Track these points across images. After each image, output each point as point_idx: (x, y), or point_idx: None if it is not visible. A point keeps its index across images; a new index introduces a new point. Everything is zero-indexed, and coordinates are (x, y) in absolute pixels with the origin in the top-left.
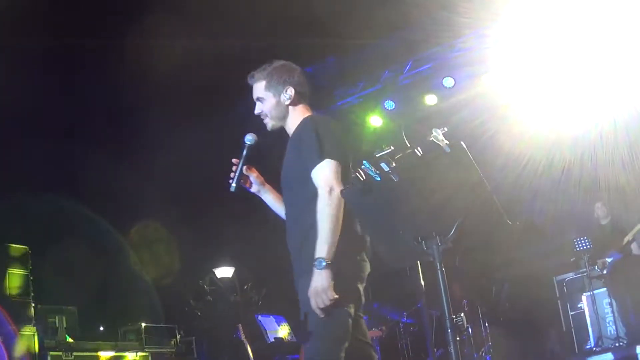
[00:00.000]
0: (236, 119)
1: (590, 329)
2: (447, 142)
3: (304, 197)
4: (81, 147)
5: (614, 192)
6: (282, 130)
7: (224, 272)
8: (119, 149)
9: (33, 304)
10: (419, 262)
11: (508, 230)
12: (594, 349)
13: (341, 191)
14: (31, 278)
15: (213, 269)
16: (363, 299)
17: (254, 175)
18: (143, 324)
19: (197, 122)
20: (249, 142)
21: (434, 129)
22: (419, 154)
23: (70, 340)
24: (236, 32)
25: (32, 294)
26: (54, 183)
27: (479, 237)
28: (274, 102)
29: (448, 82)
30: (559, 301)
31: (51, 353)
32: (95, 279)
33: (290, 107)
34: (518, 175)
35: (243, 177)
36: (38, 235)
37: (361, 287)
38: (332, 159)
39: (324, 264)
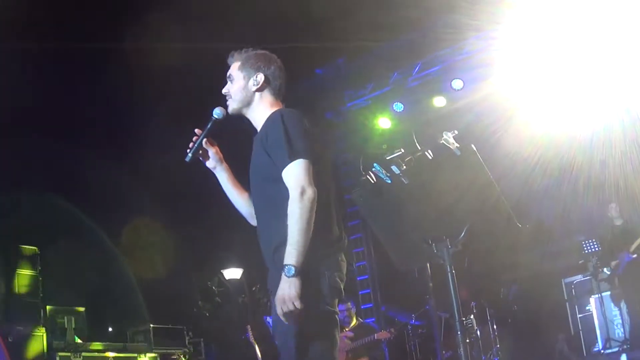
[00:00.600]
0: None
1: (598, 332)
2: (458, 145)
3: (276, 197)
4: (87, 148)
5: (623, 194)
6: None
7: (233, 273)
8: (123, 150)
9: (42, 305)
10: (428, 264)
11: (517, 232)
12: (602, 351)
13: (316, 192)
14: (40, 279)
15: (221, 270)
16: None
17: (213, 150)
18: (151, 325)
19: (201, 122)
20: (216, 116)
21: (444, 132)
22: (430, 157)
23: (78, 341)
24: (243, 34)
25: (41, 295)
26: (61, 184)
27: (488, 239)
28: (242, 84)
29: (457, 84)
30: (567, 303)
31: (59, 354)
32: (104, 280)
33: (256, 94)
34: (527, 177)
35: (202, 150)
36: (46, 236)
37: (342, 286)
38: (303, 158)
39: (293, 271)
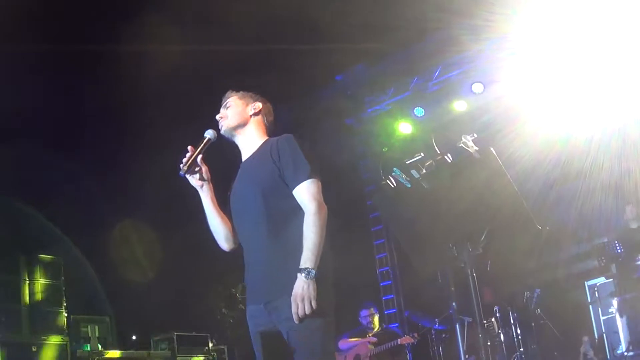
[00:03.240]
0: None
1: (621, 334)
2: (477, 149)
3: (285, 211)
4: (125, 156)
5: None
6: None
7: None
8: (138, 155)
9: (65, 314)
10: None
11: (538, 235)
12: (625, 353)
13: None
14: (64, 288)
15: None
16: None
17: (204, 169)
18: (175, 333)
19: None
20: (208, 136)
21: (463, 135)
22: (449, 160)
23: (102, 349)
24: (258, 38)
25: (65, 304)
26: (78, 193)
27: (510, 242)
28: (240, 108)
29: (477, 87)
30: (590, 306)
31: None
32: (128, 288)
33: (252, 118)
34: (546, 179)
35: (195, 166)
36: (70, 244)
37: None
38: (318, 178)
39: (313, 273)
